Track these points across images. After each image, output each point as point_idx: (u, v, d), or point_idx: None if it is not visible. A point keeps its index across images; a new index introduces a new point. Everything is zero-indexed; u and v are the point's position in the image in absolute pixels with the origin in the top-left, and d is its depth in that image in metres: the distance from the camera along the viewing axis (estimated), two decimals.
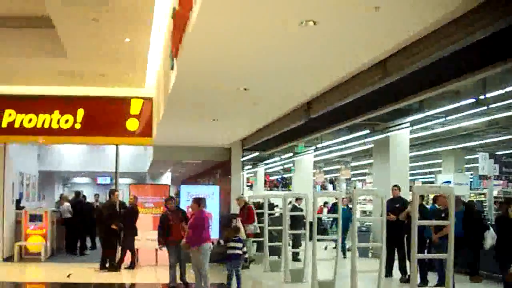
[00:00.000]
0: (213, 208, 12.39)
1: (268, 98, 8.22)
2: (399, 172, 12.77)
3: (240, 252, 9.27)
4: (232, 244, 9.30)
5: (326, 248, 14.80)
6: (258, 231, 12.35)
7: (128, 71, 11.29)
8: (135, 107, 13.19)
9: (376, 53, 5.94)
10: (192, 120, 10.25)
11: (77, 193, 15.60)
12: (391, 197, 10.44)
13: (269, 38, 5.32)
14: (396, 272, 10.28)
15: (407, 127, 12.17)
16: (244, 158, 14.53)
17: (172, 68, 7.15)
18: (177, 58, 6.45)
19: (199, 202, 8.90)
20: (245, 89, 7.43)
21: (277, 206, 17.31)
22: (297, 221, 12.51)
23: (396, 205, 10.14)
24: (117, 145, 13.44)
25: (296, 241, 13.31)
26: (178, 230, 9.69)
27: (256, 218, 12.39)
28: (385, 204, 8.36)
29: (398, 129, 12.29)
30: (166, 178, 22.77)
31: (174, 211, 10.05)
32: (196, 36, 5.34)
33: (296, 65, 6.34)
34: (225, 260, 9.55)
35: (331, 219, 17.21)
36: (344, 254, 12.81)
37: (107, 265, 11.72)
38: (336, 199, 10.72)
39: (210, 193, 13.45)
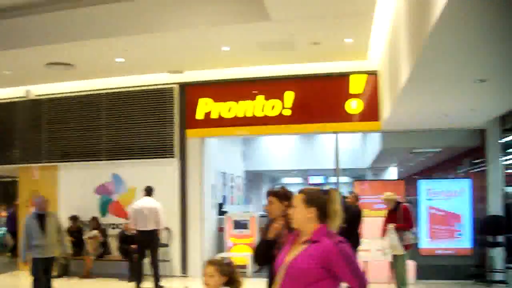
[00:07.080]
0: (463, 208, 10.60)
1: None
2: None
3: None
4: None
5: None
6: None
7: (348, 33, 8.71)
8: (355, 84, 10.61)
9: None
10: (445, 84, 7.09)
11: None
12: None
13: None
14: None
15: None
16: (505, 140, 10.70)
17: None
18: None
19: None
20: None
21: None
22: None
23: None
24: (335, 132, 10.91)
25: None
26: None
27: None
28: None
29: None
30: (388, 175, 19.73)
31: None
32: None
33: None
34: None
35: None
36: None
37: None
38: None
39: (458, 190, 10.77)
